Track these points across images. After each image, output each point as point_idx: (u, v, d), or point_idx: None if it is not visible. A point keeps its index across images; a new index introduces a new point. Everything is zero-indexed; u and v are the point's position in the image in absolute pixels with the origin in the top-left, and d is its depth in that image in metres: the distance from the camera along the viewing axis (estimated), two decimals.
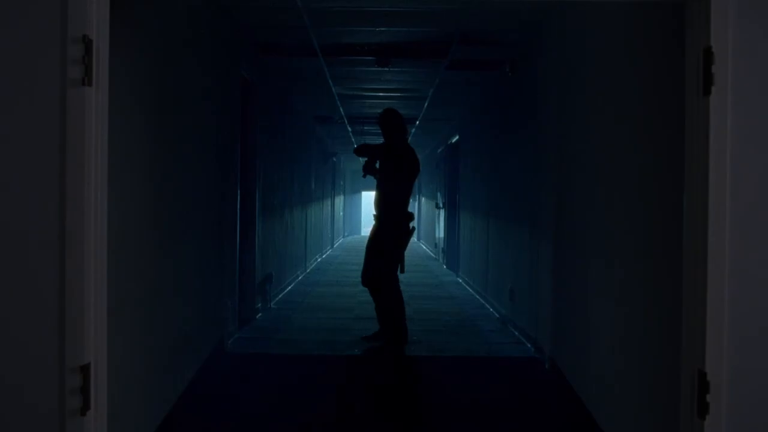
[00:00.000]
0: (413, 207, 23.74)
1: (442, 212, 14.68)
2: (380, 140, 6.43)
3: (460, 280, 11.53)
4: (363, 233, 27.26)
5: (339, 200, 21.76)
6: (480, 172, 9.74)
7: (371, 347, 6.06)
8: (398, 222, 5.96)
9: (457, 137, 12.25)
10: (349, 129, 13.73)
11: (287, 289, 9.81)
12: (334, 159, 18.33)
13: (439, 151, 15.31)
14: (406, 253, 6.31)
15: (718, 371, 2.09)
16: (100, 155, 2.10)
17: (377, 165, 6.23)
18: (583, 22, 4.58)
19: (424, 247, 19.43)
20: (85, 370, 2.05)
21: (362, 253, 6.34)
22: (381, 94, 9.98)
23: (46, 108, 2.03)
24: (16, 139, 2.05)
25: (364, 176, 6.45)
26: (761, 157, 2.10)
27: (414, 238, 22.91)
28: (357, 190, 30.94)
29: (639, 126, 3.42)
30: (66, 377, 2.04)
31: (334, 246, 19.07)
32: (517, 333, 6.78)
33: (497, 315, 7.96)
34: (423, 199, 20.94)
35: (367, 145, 6.53)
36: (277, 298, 8.78)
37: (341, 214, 23.02)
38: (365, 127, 13.10)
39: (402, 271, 6.05)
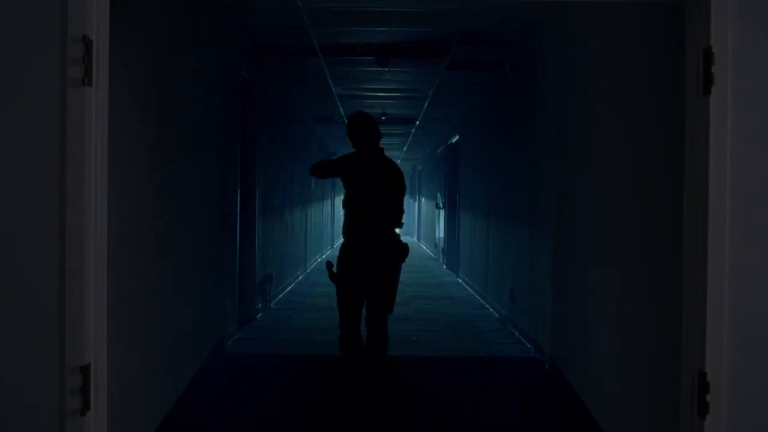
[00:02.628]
0: (413, 207, 23.85)
1: (442, 212, 14.68)
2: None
3: (460, 281, 11.53)
4: None
5: (339, 200, 21.77)
6: (480, 172, 9.74)
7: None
8: (402, 246, 4.57)
9: (457, 137, 12.25)
10: None
11: (287, 289, 9.81)
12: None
13: (439, 151, 15.31)
14: None
15: (718, 371, 2.09)
16: (100, 155, 2.10)
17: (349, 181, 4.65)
18: (583, 22, 4.58)
19: (424, 247, 19.43)
20: (85, 370, 2.05)
21: None
22: (381, 94, 9.98)
23: (46, 108, 2.03)
24: (16, 139, 2.05)
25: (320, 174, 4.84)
26: (761, 157, 2.10)
27: (414, 238, 22.96)
28: None
29: (639, 126, 3.42)
30: (66, 377, 2.04)
31: (334, 246, 19.05)
32: (517, 333, 6.78)
33: (497, 315, 7.95)
34: (423, 199, 20.94)
35: (327, 161, 5.01)
36: (277, 299, 8.78)
37: (341, 214, 23.03)
38: None
39: (390, 311, 4.63)
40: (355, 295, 4.50)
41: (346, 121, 5.73)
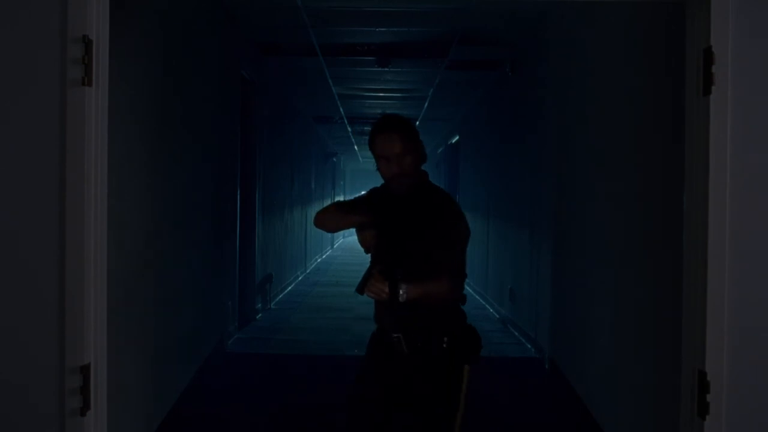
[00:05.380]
0: None
1: None
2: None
3: None
4: None
5: (339, 200, 21.79)
6: (480, 172, 9.74)
7: None
8: (469, 333, 2.71)
9: (457, 137, 12.25)
10: (349, 129, 13.74)
11: (287, 290, 9.81)
12: (334, 159, 18.34)
13: (439, 151, 15.31)
14: None
15: (718, 371, 2.08)
16: (100, 155, 2.09)
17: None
18: (583, 21, 4.58)
19: None
20: (85, 370, 2.05)
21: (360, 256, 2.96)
22: (381, 94, 9.98)
23: (46, 108, 2.03)
24: (15, 139, 2.04)
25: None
26: (761, 157, 2.10)
27: None
28: (357, 190, 30.97)
29: (639, 125, 3.42)
30: (66, 377, 2.04)
31: (334, 246, 19.06)
32: (517, 333, 6.78)
33: (497, 315, 7.95)
34: None
35: (342, 203, 2.88)
36: (277, 299, 8.78)
37: None
38: (365, 128, 13.11)
39: None
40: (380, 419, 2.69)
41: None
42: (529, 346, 6.19)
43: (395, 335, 2.60)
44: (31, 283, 2.05)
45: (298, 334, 6.81)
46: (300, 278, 11.37)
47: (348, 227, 2.80)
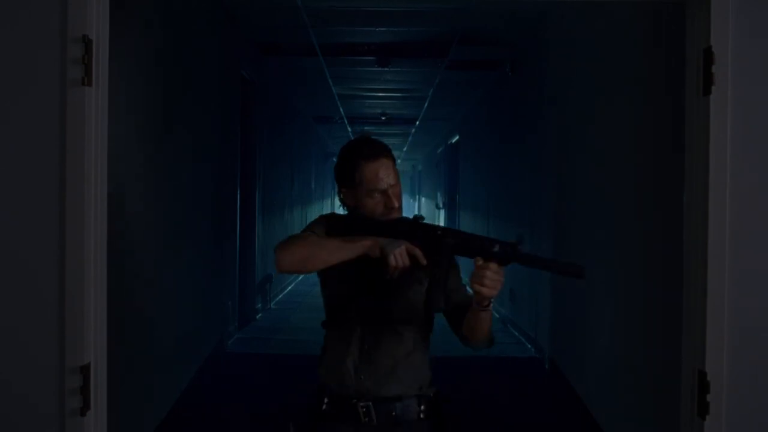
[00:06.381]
0: (413, 208, 23.83)
1: (442, 212, 14.68)
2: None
3: None
4: None
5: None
6: (480, 172, 9.73)
7: None
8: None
9: (457, 137, 12.24)
10: (349, 129, 13.73)
11: (287, 289, 9.81)
12: (334, 159, 18.30)
13: (439, 151, 15.31)
14: None
15: (718, 371, 2.08)
16: (100, 155, 2.09)
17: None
18: (583, 21, 4.58)
19: None
20: (85, 370, 2.05)
21: None
22: (381, 94, 9.98)
23: (46, 108, 2.03)
24: (16, 139, 2.04)
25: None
26: (761, 157, 2.10)
27: None
28: None
29: (639, 125, 3.42)
30: (66, 377, 2.04)
31: None
32: (517, 333, 6.78)
33: (497, 315, 7.96)
34: (423, 199, 20.95)
35: (297, 237, 2.20)
36: (277, 298, 8.78)
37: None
38: (365, 128, 13.11)
39: None
40: None
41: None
42: (529, 346, 6.19)
43: (362, 404, 2.02)
44: (31, 283, 2.05)
45: (298, 334, 6.80)
46: (300, 278, 11.36)
47: (356, 255, 1.98)
